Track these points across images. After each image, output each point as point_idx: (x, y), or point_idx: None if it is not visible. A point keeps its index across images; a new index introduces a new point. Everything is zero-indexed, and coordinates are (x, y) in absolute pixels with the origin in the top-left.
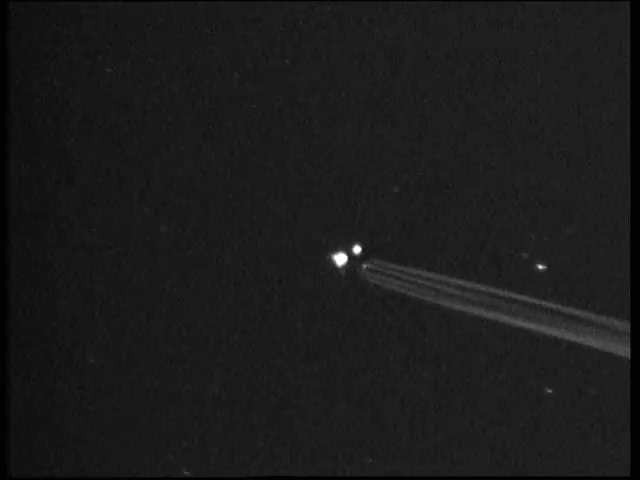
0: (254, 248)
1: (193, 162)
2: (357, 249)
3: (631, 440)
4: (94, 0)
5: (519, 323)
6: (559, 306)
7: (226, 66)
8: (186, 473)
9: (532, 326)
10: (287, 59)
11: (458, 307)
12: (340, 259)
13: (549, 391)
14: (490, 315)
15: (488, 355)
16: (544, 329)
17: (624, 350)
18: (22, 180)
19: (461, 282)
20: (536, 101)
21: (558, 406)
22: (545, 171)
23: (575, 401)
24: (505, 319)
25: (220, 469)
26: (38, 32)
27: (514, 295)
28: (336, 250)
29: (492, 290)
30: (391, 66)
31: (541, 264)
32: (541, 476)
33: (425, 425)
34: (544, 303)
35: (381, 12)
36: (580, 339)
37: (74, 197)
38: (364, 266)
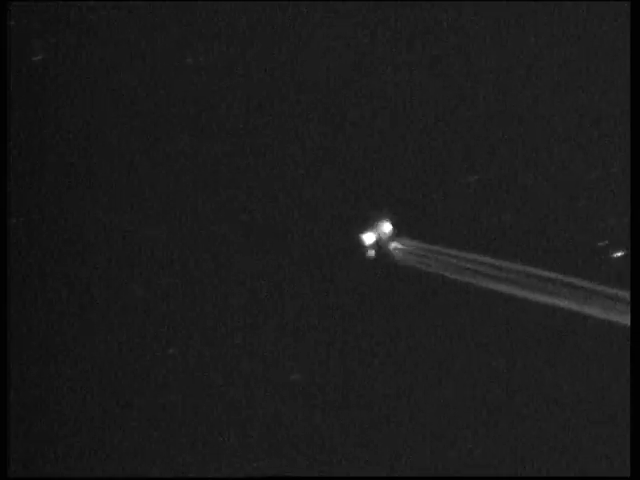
0: (284, 229)
1: (221, 145)
2: (386, 228)
3: (631, 440)
4: (91, 0)
5: (543, 299)
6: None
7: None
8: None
9: (564, 303)
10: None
11: (483, 284)
12: (369, 238)
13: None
14: (517, 292)
15: (504, 338)
16: (578, 308)
17: None
18: (22, 180)
19: (488, 260)
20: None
21: (559, 406)
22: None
23: (575, 401)
24: (532, 296)
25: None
26: (38, 32)
27: (539, 271)
28: (365, 230)
29: (519, 267)
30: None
31: (619, 251)
32: (541, 476)
33: (446, 398)
34: (573, 280)
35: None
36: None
37: (74, 197)
38: (392, 245)
